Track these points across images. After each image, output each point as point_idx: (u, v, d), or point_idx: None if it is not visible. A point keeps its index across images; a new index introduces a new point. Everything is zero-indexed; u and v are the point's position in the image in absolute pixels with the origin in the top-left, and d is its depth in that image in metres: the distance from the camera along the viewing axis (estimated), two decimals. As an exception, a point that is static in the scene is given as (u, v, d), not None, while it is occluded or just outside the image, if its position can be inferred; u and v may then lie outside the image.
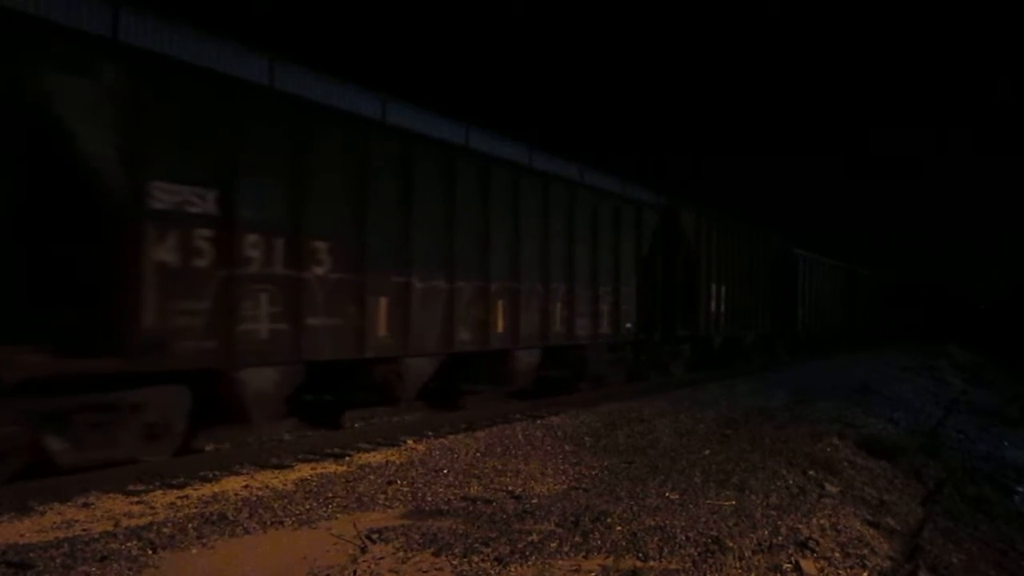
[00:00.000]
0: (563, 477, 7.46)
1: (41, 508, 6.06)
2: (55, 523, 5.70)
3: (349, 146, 8.80)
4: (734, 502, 6.61)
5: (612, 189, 17.18)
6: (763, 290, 21.18)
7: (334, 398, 9.98)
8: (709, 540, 5.47)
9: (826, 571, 5.22)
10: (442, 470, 7.57)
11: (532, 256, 11.72)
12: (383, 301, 9.12)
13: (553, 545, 5.27)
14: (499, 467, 7.76)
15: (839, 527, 6.19)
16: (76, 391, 6.54)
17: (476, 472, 7.53)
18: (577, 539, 5.40)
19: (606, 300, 13.69)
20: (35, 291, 6.49)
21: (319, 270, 8.33)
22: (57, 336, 6.43)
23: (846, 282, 33.01)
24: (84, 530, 5.51)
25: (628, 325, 14.47)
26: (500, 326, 11.03)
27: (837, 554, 5.57)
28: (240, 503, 6.25)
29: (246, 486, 6.91)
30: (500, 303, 11.03)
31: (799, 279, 25.14)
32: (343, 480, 7.09)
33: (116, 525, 5.63)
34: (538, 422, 10.55)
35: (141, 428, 7.14)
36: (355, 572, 4.77)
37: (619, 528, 5.67)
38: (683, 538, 5.48)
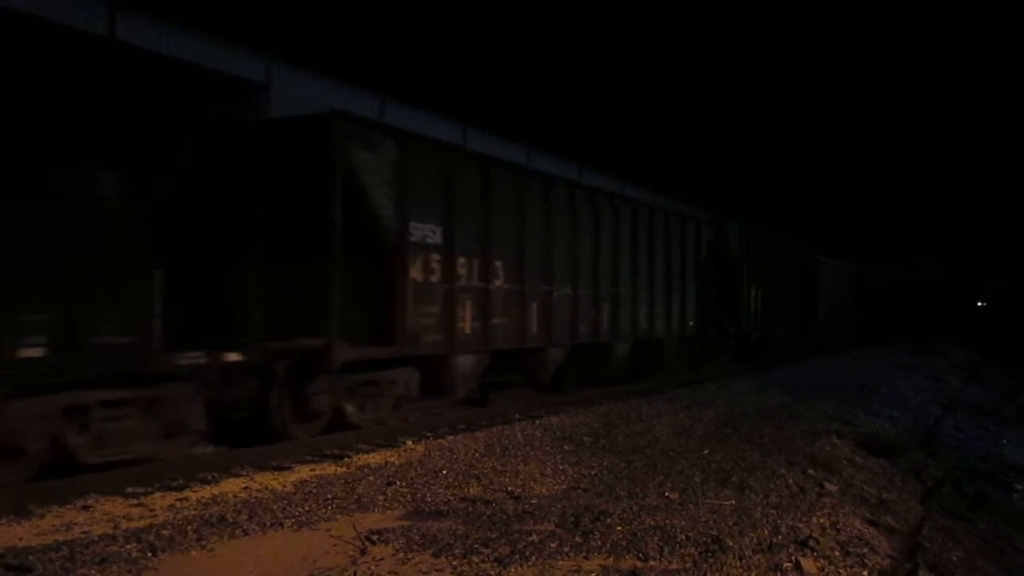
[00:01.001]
0: (562, 477, 7.46)
1: (40, 511, 6.04)
2: (54, 526, 5.69)
3: (514, 187, 11.65)
4: (734, 501, 6.61)
5: (669, 207, 19.70)
6: (789, 292, 24.19)
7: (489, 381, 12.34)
8: (709, 540, 5.47)
9: (826, 570, 5.22)
10: (441, 471, 7.57)
11: (627, 268, 14.71)
12: (535, 305, 11.99)
13: (553, 545, 5.27)
14: (498, 467, 7.76)
15: (839, 526, 6.20)
16: (357, 372, 9.25)
17: (475, 472, 7.52)
18: (577, 539, 5.40)
19: (676, 303, 16.68)
20: (351, 302, 8.86)
21: (498, 283, 11.12)
22: (358, 333, 8.95)
23: (857, 283, 35.38)
24: (83, 532, 5.50)
25: (691, 323, 17.44)
26: (606, 324, 13.95)
27: (837, 553, 5.57)
28: (239, 505, 6.25)
29: (245, 488, 6.90)
30: (606, 306, 13.93)
31: (818, 282, 27.75)
32: (342, 481, 7.09)
33: (115, 527, 5.62)
34: (537, 422, 10.55)
35: (395, 398, 10.01)
36: (355, 573, 4.77)
37: (619, 528, 5.67)
38: (683, 538, 5.48)
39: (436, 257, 9.92)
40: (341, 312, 8.70)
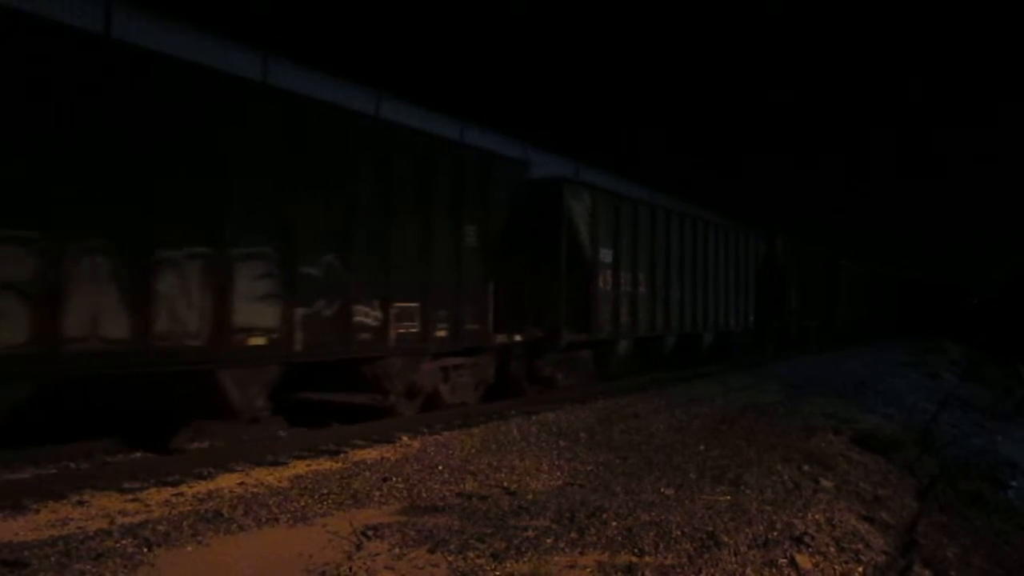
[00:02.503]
0: (558, 473, 7.46)
1: (36, 506, 6.04)
2: (50, 521, 5.68)
3: (653, 215, 15.91)
4: (729, 497, 6.62)
5: (724, 221, 22.87)
6: (818, 293, 28.36)
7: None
8: (705, 535, 5.48)
9: (821, 566, 5.23)
10: (437, 466, 7.57)
11: (712, 275, 18.67)
12: (660, 305, 16.01)
13: (549, 541, 5.28)
14: (494, 463, 7.76)
15: (834, 522, 6.21)
16: (559, 351, 13.02)
17: (471, 468, 7.53)
18: (573, 535, 5.41)
19: (742, 302, 20.97)
20: (568, 304, 12.82)
21: (641, 289, 15.21)
22: (570, 325, 12.90)
23: (870, 283, 38.64)
24: (79, 528, 5.49)
25: (751, 318, 21.79)
26: (699, 319, 17.98)
27: (832, 549, 5.59)
28: (235, 500, 6.24)
29: (241, 483, 6.90)
30: (699, 305, 17.97)
31: (839, 283, 31.67)
32: (338, 477, 7.08)
33: (111, 523, 5.62)
34: (533, 418, 10.56)
35: (582, 370, 14.08)
36: (351, 569, 4.77)
37: (615, 524, 5.68)
38: (679, 533, 5.49)
39: (609, 272, 13.98)
40: (564, 310, 12.68)
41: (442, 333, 10.30)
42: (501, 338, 11.43)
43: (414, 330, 9.86)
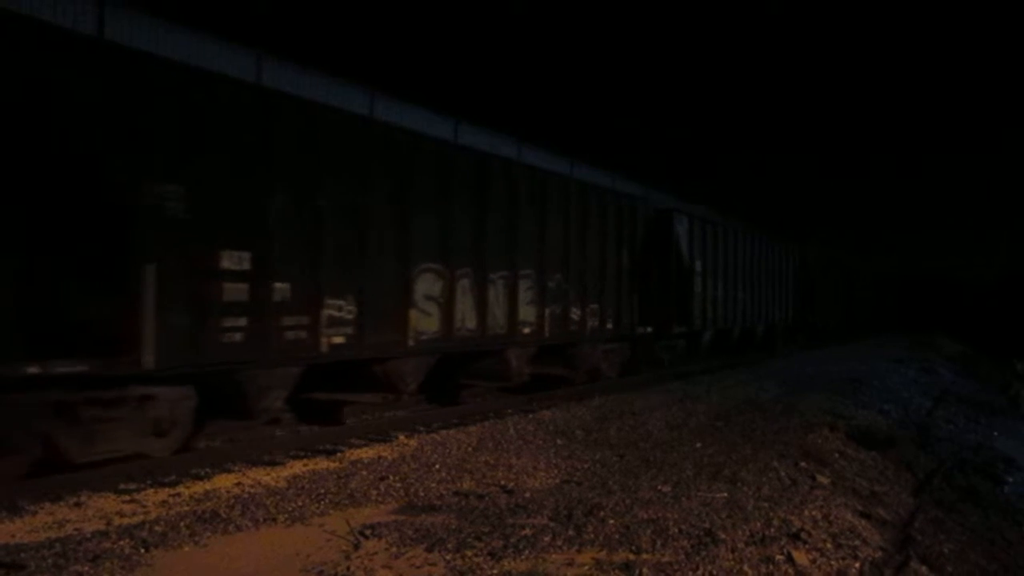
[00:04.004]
0: (555, 471, 7.47)
1: (32, 508, 6.03)
2: (47, 523, 5.68)
3: (725, 233, 19.64)
4: (726, 494, 6.64)
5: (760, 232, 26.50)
6: (836, 293, 32.57)
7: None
8: (702, 532, 5.49)
9: (818, 562, 5.25)
10: (434, 465, 7.57)
11: (762, 279, 22.55)
12: (730, 302, 19.81)
13: (546, 539, 5.28)
14: (491, 462, 7.76)
15: (831, 518, 6.23)
16: (669, 339, 16.80)
17: (468, 467, 7.53)
18: (570, 533, 5.42)
19: (784, 300, 25.03)
20: (675, 304, 16.64)
21: (719, 291, 18.99)
22: (677, 320, 16.75)
23: (875, 282, 42.24)
24: (76, 529, 5.49)
25: (791, 314, 25.78)
26: (754, 314, 21.96)
27: (829, 545, 5.60)
28: (232, 500, 6.24)
29: (238, 483, 6.89)
30: (754, 302, 21.79)
31: (854, 286, 36.07)
32: (335, 476, 7.08)
33: (108, 524, 5.62)
34: (530, 416, 10.57)
35: (682, 353, 17.85)
36: (348, 568, 4.77)
37: (612, 521, 5.69)
38: (676, 531, 5.50)
39: (700, 278, 17.80)
40: (674, 309, 16.65)
41: (610, 326, 14.43)
42: (639, 330, 15.47)
43: (596, 324, 13.98)
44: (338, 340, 8.70)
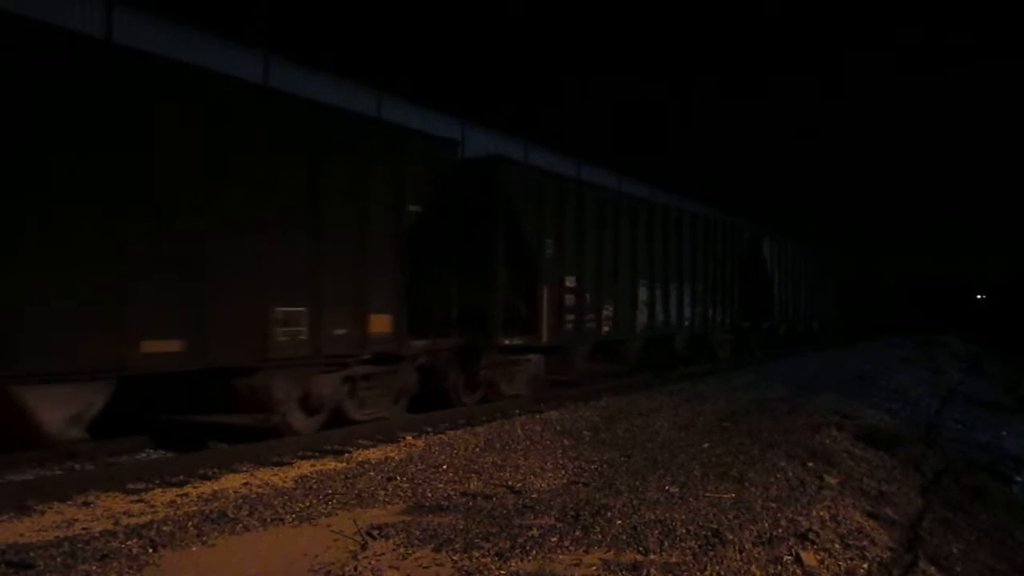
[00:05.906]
0: (562, 471, 7.46)
1: (41, 507, 6.05)
2: (55, 522, 5.70)
3: (788, 247, 24.52)
4: (734, 495, 6.62)
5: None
6: (846, 295, 35.26)
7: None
8: (709, 533, 5.48)
9: (826, 562, 5.23)
10: (441, 466, 7.57)
11: (796, 286, 25.82)
12: (790, 303, 24.40)
13: (554, 539, 5.28)
14: (498, 462, 7.76)
15: (839, 518, 6.20)
16: (750, 332, 21.87)
17: (475, 467, 7.53)
18: (578, 533, 5.41)
19: (816, 302, 28.26)
20: (747, 309, 21.33)
21: (787, 294, 24.19)
22: (751, 319, 21.18)
23: (885, 282, 44.24)
24: (84, 529, 5.50)
25: (819, 311, 29.06)
26: (801, 311, 26.04)
27: (837, 545, 5.58)
28: (240, 500, 6.25)
29: (246, 483, 6.91)
30: (798, 303, 25.61)
31: (867, 286, 39.21)
32: (343, 477, 7.09)
33: (116, 523, 5.63)
34: (537, 417, 10.56)
35: (761, 341, 22.77)
36: (356, 568, 4.77)
37: (619, 522, 5.68)
38: (683, 531, 5.49)
39: (777, 285, 23.03)
40: (763, 308, 21.86)
41: (727, 321, 19.04)
42: (743, 324, 19.39)
43: (720, 319, 18.63)
44: (606, 328, 13.91)
